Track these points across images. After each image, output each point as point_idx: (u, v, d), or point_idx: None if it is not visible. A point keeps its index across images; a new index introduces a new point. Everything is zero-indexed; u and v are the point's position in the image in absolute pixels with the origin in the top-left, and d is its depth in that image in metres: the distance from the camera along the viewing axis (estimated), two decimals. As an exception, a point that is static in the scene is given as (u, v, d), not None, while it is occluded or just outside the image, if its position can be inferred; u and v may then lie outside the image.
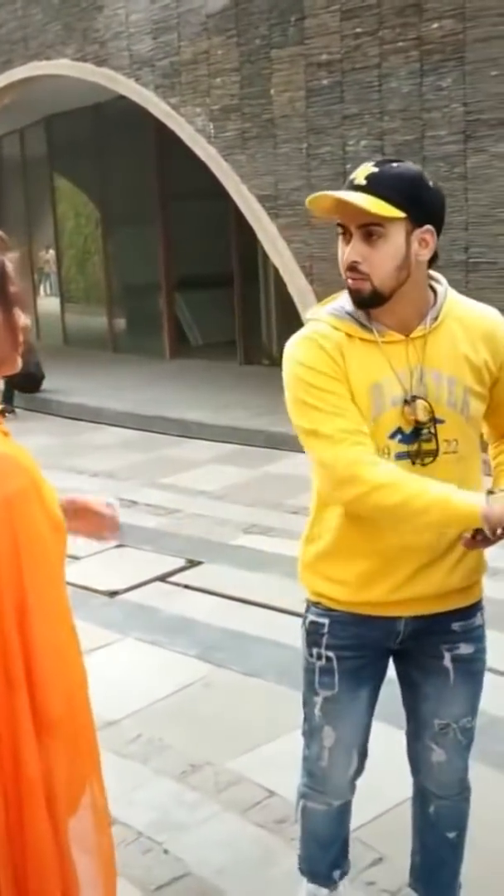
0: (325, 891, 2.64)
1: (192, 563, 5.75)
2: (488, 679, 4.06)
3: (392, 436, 2.18)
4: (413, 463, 2.19)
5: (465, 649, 2.37)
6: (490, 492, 2.10)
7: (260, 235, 9.37)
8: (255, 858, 3.04)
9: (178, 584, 5.51)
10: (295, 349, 2.22)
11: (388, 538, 2.23)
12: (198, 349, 14.22)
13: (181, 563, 5.81)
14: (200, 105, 9.64)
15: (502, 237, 7.44)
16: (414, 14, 7.68)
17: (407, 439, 2.19)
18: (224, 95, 9.37)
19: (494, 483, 2.31)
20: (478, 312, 2.29)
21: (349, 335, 2.19)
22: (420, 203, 2.11)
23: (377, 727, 2.53)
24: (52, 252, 17.86)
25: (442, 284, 2.28)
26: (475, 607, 2.39)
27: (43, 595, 1.71)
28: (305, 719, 2.48)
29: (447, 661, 2.36)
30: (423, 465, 2.19)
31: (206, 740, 3.78)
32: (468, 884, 2.68)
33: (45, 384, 11.68)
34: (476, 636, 2.39)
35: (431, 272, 2.28)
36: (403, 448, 2.19)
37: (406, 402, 2.17)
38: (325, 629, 2.36)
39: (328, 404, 2.14)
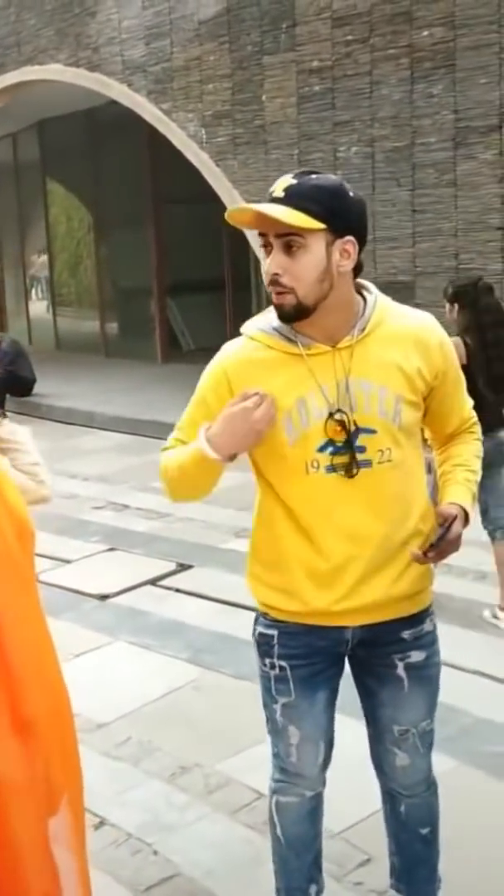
0: None
1: (183, 567, 5.78)
2: (473, 682, 4.14)
3: (321, 449, 2.21)
4: (346, 475, 2.21)
5: (416, 657, 2.39)
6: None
7: (251, 240, 9.42)
8: (244, 859, 3.07)
9: (168, 588, 5.54)
10: (208, 369, 2.32)
11: (330, 548, 2.26)
12: (190, 353, 14.23)
13: (172, 566, 5.84)
14: (192, 111, 9.69)
15: (491, 243, 7.50)
16: (404, 22, 7.75)
17: (338, 451, 2.21)
18: (216, 101, 9.42)
19: (441, 497, 2.34)
20: (411, 320, 2.29)
21: (273, 349, 2.22)
22: (339, 214, 2.12)
23: (362, 730, 2.57)
24: (44, 256, 17.88)
25: (372, 293, 2.28)
26: (424, 614, 2.41)
27: (14, 598, 1.73)
28: (268, 720, 2.50)
29: (400, 670, 2.39)
30: (351, 476, 2.21)
31: (195, 743, 3.81)
32: (454, 886, 2.72)
33: (37, 388, 11.71)
34: (427, 642, 2.41)
35: (363, 281, 2.29)
36: (334, 461, 2.21)
37: (331, 414, 2.19)
38: (275, 640, 2.38)
39: (188, 430, 2.30)
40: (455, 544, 2.25)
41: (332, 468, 2.21)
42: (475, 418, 2.47)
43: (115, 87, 10.56)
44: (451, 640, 4.57)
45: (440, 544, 2.22)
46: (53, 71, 11.41)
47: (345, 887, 2.94)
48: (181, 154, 9.91)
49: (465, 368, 3.69)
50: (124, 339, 15.50)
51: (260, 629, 2.44)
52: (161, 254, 14.14)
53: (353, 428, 2.19)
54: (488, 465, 3.77)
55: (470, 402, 2.46)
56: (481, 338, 4.60)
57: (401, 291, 8.01)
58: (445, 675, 4.29)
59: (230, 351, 2.30)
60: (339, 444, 2.20)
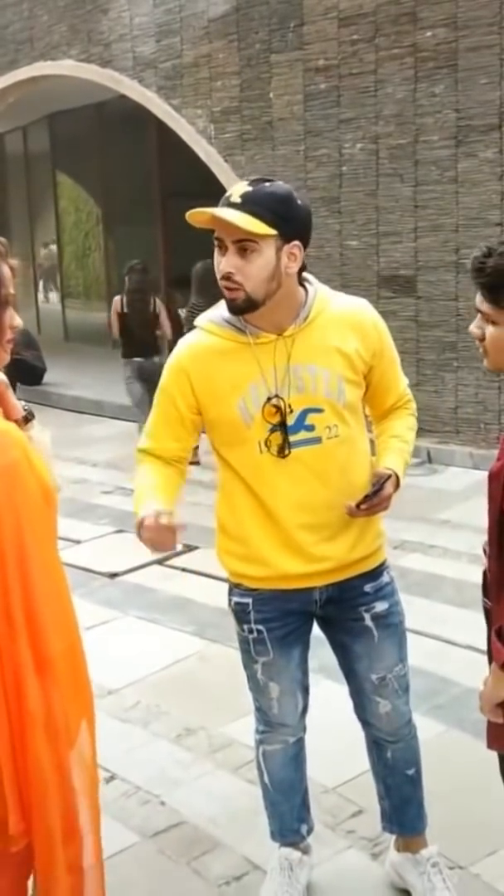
0: (297, 854, 2.87)
1: (189, 548, 5.97)
2: (465, 656, 4.37)
3: (272, 430, 2.44)
4: (278, 455, 2.44)
5: (380, 607, 2.63)
6: (163, 512, 2.39)
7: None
8: (244, 809, 3.31)
9: (175, 567, 5.76)
10: (168, 363, 2.55)
11: (284, 517, 2.50)
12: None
13: (178, 547, 6.02)
14: (201, 107, 9.87)
15: (491, 239, 7.66)
16: (408, 22, 7.92)
17: (286, 431, 2.43)
18: (224, 98, 9.60)
19: (377, 462, 2.57)
20: (348, 306, 2.53)
21: (225, 339, 2.45)
22: (289, 220, 2.33)
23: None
24: (53, 248, 18.08)
25: (313, 284, 2.51)
26: (381, 568, 2.66)
27: (39, 550, 1.92)
28: (249, 679, 2.74)
29: (368, 621, 2.63)
30: (283, 457, 2.44)
31: (200, 708, 4.05)
32: (440, 833, 2.95)
33: (46, 377, 11.91)
34: (387, 593, 2.66)
35: (304, 274, 2.50)
36: (283, 439, 2.44)
37: (268, 399, 2.42)
38: (250, 607, 2.62)
39: (157, 423, 2.56)
40: (385, 503, 2.48)
41: (282, 447, 2.44)
42: (410, 395, 2.69)
43: (126, 83, 10.74)
44: (446, 618, 4.84)
45: (373, 499, 2.45)
46: (65, 67, 11.57)
47: (338, 835, 3.18)
48: (189, 148, 10.08)
49: (122, 315, 8.75)
50: (131, 330, 15.67)
51: (235, 599, 2.67)
52: (168, 247, 14.31)
53: (288, 411, 2.41)
54: (147, 379, 7.73)
55: (405, 381, 2.68)
56: (129, 299, 8.84)
57: (402, 285, 8.23)
58: (440, 649, 4.57)
59: (186, 344, 2.54)
60: (288, 424, 2.43)
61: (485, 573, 2.30)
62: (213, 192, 10.93)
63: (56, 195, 17.32)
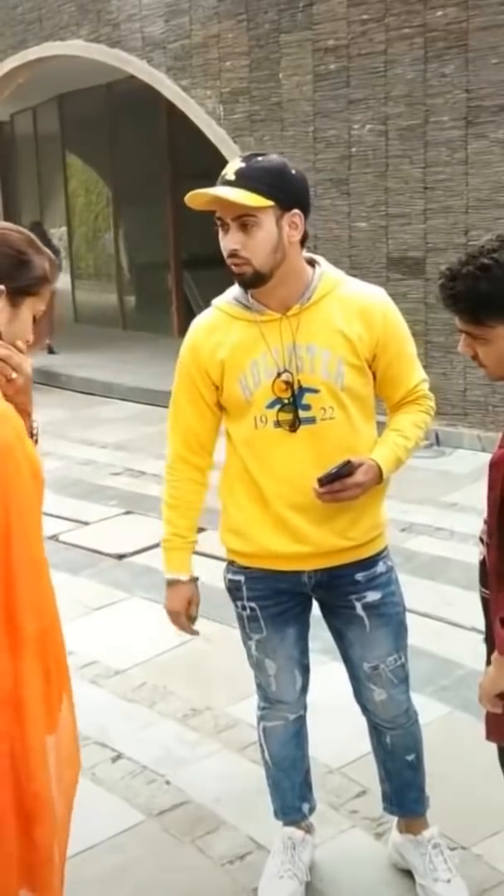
0: (300, 833, 2.90)
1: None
2: (469, 638, 4.38)
3: (270, 406, 2.46)
4: (290, 429, 2.47)
5: (371, 597, 2.62)
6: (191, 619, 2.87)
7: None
8: (249, 789, 3.33)
9: (183, 549, 5.78)
10: (185, 340, 2.60)
11: (274, 494, 2.51)
12: (206, 327, 14.39)
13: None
14: (211, 87, 9.84)
15: (501, 220, 7.66)
16: (419, 2, 7.86)
17: (285, 408, 2.46)
18: (234, 78, 9.56)
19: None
20: (358, 291, 2.53)
21: (233, 317, 2.49)
22: (285, 190, 2.35)
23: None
24: (63, 229, 18.06)
25: (321, 265, 2.52)
26: (377, 557, 2.64)
27: (23, 528, 1.89)
28: (248, 655, 2.77)
29: (359, 610, 2.62)
30: (294, 431, 2.46)
31: (206, 688, 4.08)
32: (443, 813, 2.98)
33: (56, 359, 11.96)
34: (381, 583, 2.63)
35: (315, 256, 2.53)
36: (280, 416, 2.46)
37: (278, 374, 2.44)
38: (243, 584, 2.66)
39: (180, 402, 2.64)
40: (351, 491, 2.43)
41: (277, 423, 2.47)
42: (424, 391, 2.64)
43: (135, 64, 10.70)
44: (452, 600, 4.85)
45: (333, 484, 2.40)
46: (75, 47, 11.52)
47: (342, 815, 3.21)
48: (199, 129, 10.07)
49: None
50: (141, 312, 15.69)
51: (229, 576, 2.72)
52: (178, 228, 14.29)
53: (297, 387, 2.44)
54: None
55: (420, 376, 2.64)
56: None
57: (411, 267, 8.21)
58: (444, 631, 4.58)
59: (197, 322, 2.60)
60: (285, 402, 2.45)
61: (482, 562, 2.30)
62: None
63: (66, 176, 17.31)
